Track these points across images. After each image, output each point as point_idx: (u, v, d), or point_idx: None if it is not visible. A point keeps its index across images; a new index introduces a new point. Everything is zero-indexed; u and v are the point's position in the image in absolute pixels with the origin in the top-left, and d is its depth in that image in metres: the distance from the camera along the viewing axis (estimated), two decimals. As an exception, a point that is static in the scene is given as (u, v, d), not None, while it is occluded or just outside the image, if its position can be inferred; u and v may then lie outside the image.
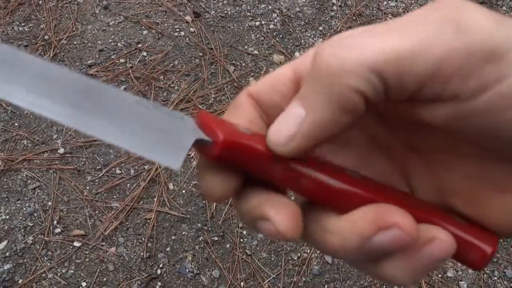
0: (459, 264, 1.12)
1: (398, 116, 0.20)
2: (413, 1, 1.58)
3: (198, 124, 0.20)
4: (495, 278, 1.10)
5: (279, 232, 0.19)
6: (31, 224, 1.18)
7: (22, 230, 1.17)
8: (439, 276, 1.10)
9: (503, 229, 0.21)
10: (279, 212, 0.19)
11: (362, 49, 0.17)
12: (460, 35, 0.17)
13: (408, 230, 0.18)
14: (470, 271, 1.11)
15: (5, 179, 1.24)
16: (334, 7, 1.57)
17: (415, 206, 0.20)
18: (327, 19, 1.54)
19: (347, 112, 0.17)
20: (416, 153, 0.22)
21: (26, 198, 1.22)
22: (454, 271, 1.11)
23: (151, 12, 1.55)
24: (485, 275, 1.10)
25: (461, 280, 1.10)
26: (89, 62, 1.43)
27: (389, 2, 1.59)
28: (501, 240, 1.14)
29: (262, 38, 1.49)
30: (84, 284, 1.11)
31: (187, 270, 1.12)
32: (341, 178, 0.20)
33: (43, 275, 1.11)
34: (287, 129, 0.18)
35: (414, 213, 0.19)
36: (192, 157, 1.27)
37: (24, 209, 1.20)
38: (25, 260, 1.13)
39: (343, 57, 0.17)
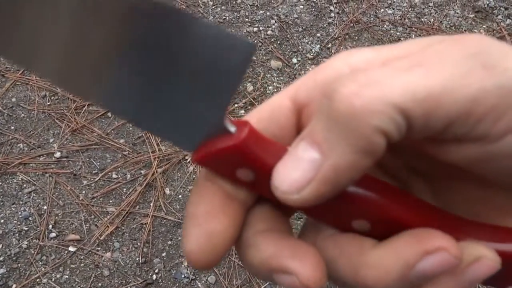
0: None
1: (407, 146, 0.19)
2: (410, 9, 1.59)
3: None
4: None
5: (306, 286, 0.17)
6: (26, 228, 1.18)
7: (17, 234, 1.17)
8: (435, 283, 1.11)
9: None
10: (303, 264, 0.17)
11: (387, 87, 0.16)
12: (491, 74, 0.16)
13: (454, 252, 0.17)
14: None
15: (0, 183, 1.23)
16: (332, 14, 1.58)
17: (452, 221, 0.19)
18: (325, 25, 1.55)
19: (369, 155, 0.16)
20: (418, 176, 0.21)
21: (21, 202, 1.21)
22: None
23: (149, 17, 1.55)
24: (480, 282, 1.11)
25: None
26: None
27: (387, 9, 1.60)
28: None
29: (260, 44, 1.49)
30: (78, 289, 1.10)
31: (183, 276, 1.12)
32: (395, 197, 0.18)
33: (38, 280, 1.11)
34: (300, 175, 0.17)
35: (455, 230, 0.18)
36: (189, 162, 1.27)
37: (19, 213, 1.19)
38: (19, 265, 1.12)
39: (367, 96, 0.15)
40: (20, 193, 1.22)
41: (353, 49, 0.21)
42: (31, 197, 1.22)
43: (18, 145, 1.29)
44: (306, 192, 0.17)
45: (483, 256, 0.18)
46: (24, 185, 1.23)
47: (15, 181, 1.24)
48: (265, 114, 0.20)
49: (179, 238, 1.17)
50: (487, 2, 1.58)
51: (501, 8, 1.57)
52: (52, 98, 1.38)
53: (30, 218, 1.19)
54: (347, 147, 0.16)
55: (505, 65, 0.16)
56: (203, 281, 1.11)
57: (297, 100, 0.20)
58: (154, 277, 1.12)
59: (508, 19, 1.53)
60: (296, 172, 0.17)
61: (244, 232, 0.19)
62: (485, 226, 0.19)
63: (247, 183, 0.19)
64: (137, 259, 1.14)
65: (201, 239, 0.18)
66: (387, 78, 0.16)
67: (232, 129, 0.18)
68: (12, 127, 1.33)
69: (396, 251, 0.17)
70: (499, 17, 1.55)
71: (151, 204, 1.21)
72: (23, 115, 1.35)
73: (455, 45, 0.17)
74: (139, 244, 1.16)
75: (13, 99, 1.38)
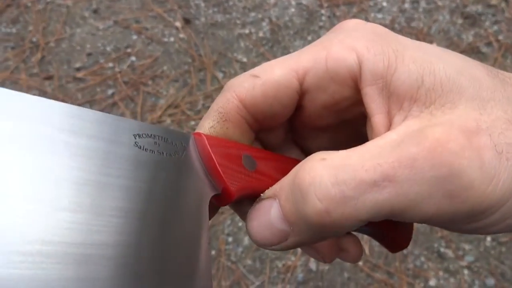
0: (440, 273, 1.13)
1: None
2: (400, 14, 1.61)
3: (198, 151, 0.20)
4: (476, 287, 1.12)
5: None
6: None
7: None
8: (421, 285, 1.12)
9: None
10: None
11: (356, 206, 0.17)
12: (450, 202, 0.17)
13: (325, 259, 0.24)
14: (451, 280, 1.13)
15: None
16: (323, 18, 1.59)
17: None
18: (316, 29, 1.56)
19: (328, 238, 0.21)
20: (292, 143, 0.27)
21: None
22: (436, 280, 1.13)
23: (141, 17, 1.55)
24: (466, 284, 1.12)
25: (442, 289, 1.12)
26: (77, 65, 1.43)
27: (377, 14, 1.62)
28: (481, 250, 1.17)
29: (251, 46, 1.50)
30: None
31: (172, 277, 1.12)
32: None
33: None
34: (271, 238, 0.20)
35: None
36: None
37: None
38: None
39: (337, 215, 0.17)
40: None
41: (360, 23, 0.22)
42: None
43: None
44: (274, 247, 0.20)
45: (348, 251, 0.24)
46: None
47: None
48: (271, 92, 0.21)
49: (168, 239, 1.17)
50: (475, 9, 1.61)
51: (489, 14, 1.60)
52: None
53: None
54: (312, 236, 0.19)
55: (465, 195, 0.17)
56: (191, 282, 1.11)
57: (304, 83, 0.21)
58: (143, 277, 1.12)
59: (495, 25, 1.56)
60: (268, 234, 0.20)
61: None
62: None
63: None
64: (126, 259, 1.13)
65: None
66: (358, 194, 0.17)
67: (217, 193, 0.20)
68: None
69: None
70: (487, 23, 1.57)
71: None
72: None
73: (431, 159, 0.17)
74: (127, 244, 1.15)
75: (2, 98, 1.36)
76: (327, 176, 0.17)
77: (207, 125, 0.22)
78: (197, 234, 0.19)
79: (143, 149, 0.18)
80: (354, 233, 0.25)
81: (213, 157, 0.20)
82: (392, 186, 0.17)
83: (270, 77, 0.21)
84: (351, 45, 0.21)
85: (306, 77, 0.21)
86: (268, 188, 0.20)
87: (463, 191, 0.17)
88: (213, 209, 0.22)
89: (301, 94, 0.22)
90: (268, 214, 0.19)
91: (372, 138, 0.21)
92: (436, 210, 0.17)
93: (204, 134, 0.21)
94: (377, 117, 0.20)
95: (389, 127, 0.20)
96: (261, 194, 0.20)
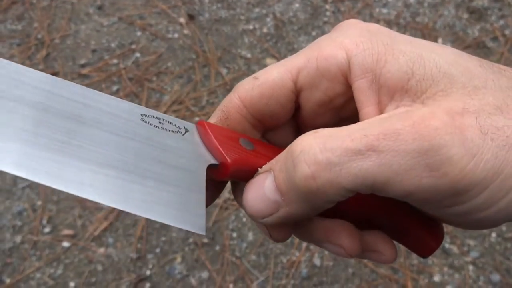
0: (445, 269, 1.13)
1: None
2: (405, 9, 1.60)
3: (200, 135, 0.22)
4: (481, 283, 1.12)
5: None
6: (19, 224, 1.18)
7: (11, 229, 1.17)
8: (426, 280, 1.12)
9: None
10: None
11: (341, 173, 0.18)
12: (431, 175, 0.18)
13: (350, 253, 0.23)
14: (456, 276, 1.13)
15: (-6, 178, 1.23)
16: (327, 13, 1.58)
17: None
18: (320, 24, 1.56)
19: (319, 211, 0.20)
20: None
21: (15, 197, 1.21)
22: (441, 275, 1.13)
23: (145, 14, 1.55)
24: (470, 280, 1.12)
25: (447, 285, 1.12)
26: (82, 62, 1.43)
27: (382, 9, 1.61)
28: (486, 245, 1.16)
29: (256, 42, 1.50)
30: (72, 284, 1.10)
31: (176, 272, 1.12)
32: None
33: (31, 275, 1.11)
34: (265, 209, 0.21)
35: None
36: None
37: (13, 208, 1.20)
38: (13, 260, 1.13)
39: (322, 180, 0.18)
40: (14, 188, 1.22)
41: (355, 22, 0.22)
42: (25, 192, 1.22)
43: (13, 140, 1.29)
44: (267, 220, 0.21)
45: (381, 253, 0.23)
46: (18, 180, 1.23)
47: (8, 176, 1.24)
48: (267, 92, 0.23)
49: (173, 234, 1.18)
50: (481, 3, 1.60)
51: (495, 8, 1.58)
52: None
53: (24, 213, 1.19)
54: (302, 205, 0.20)
55: (446, 169, 0.17)
56: (196, 277, 1.12)
57: (298, 82, 0.23)
58: (148, 272, 1.12)
59: (501, 20, 1.55)
60: (262, 205, 0.21)
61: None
62: None
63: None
64: (131, 254, 1.14)
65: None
66: (343, 161, 0.18)
67: (216, 163, 0.21)
68: (7, 122, 1.32)
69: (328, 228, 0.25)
70: (493, 17, 1.56)
71: (145, 200, 1.21)
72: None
73: (413, 133, 0.18)
74: (133, 239, 1.16)
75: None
76: (316, 144, 0.19)
77: (211, 121, 0.24)
78: (190, 185, 0.21)
79: (148, 124, 0.21)
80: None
81: (211, 134, 0.21)
82: (376, 155, 0.18)
83: (267, 78, 0.23)
84: (341, 43, 0.22)
85: (300, 76, 0.22)
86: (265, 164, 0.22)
87: (442, 165, 0.17)
88: (216, 187, 0.23)
89: (297, 93, 0.23)
90: (263, 186, 0.20)
91: None
92: (418, 184, 0.18)
93: (205, 121, 0.23)
94: (367, 109, 0.21)
95: None
96: (259, 169, 0.21)
